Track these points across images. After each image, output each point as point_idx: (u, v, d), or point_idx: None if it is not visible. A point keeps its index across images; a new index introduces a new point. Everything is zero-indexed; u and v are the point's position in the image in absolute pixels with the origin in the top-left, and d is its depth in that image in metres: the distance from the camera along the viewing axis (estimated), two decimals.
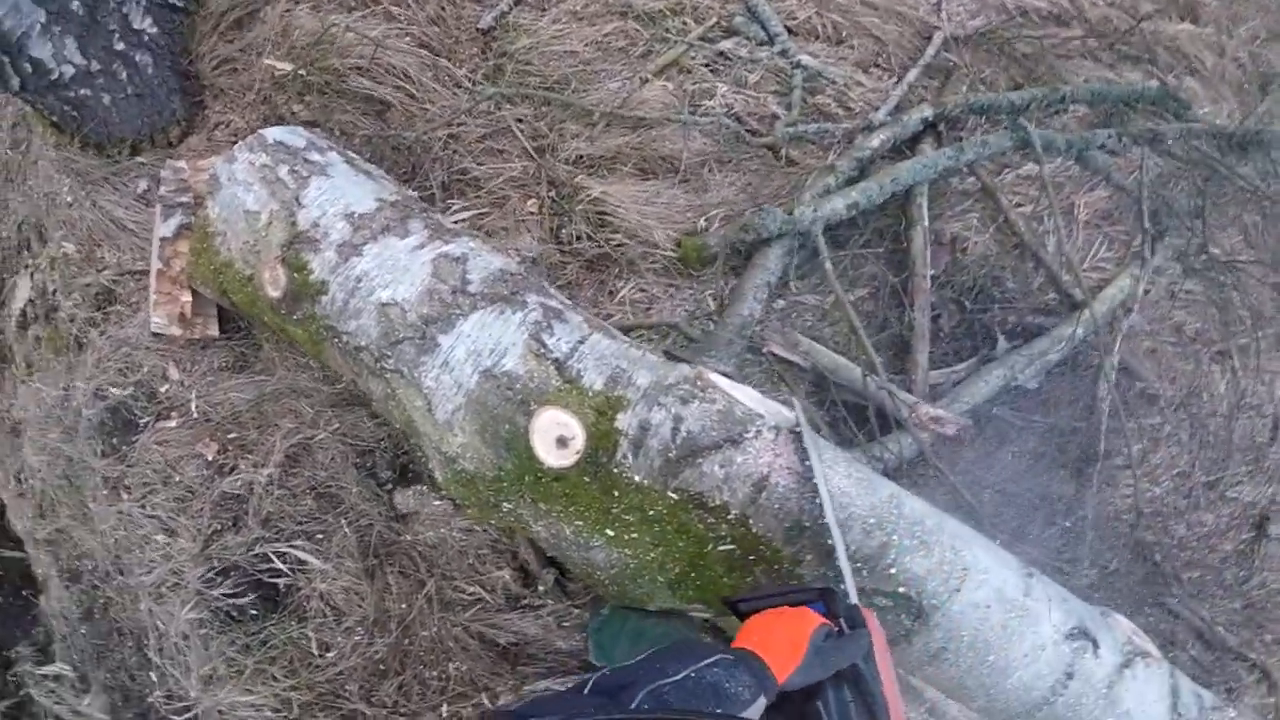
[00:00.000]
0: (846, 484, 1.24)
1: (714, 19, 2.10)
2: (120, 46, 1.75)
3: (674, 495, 1.23)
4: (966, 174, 1.99)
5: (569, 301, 1.45)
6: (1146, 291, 2.01)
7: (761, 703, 0.76)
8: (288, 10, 1.95)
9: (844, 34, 2.12)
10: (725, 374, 1.39)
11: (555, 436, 1.25)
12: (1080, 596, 1.43)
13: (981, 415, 1.84)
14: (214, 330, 1.69)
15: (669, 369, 1.31)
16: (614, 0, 2.08)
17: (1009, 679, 1.30)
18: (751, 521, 1.22)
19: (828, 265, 1.70)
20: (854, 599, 1.04)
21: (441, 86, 1.96)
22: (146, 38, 1.82)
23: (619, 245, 1.78)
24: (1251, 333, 2.11)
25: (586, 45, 2.03)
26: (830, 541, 1.14)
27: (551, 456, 1.25)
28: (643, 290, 1.79)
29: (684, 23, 2.11)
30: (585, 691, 0.71)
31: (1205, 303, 2.12)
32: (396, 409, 1.39)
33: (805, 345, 1.71)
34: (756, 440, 1.25)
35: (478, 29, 2.04)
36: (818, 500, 1.18)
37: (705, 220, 1.85)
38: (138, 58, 1.79)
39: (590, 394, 1.27)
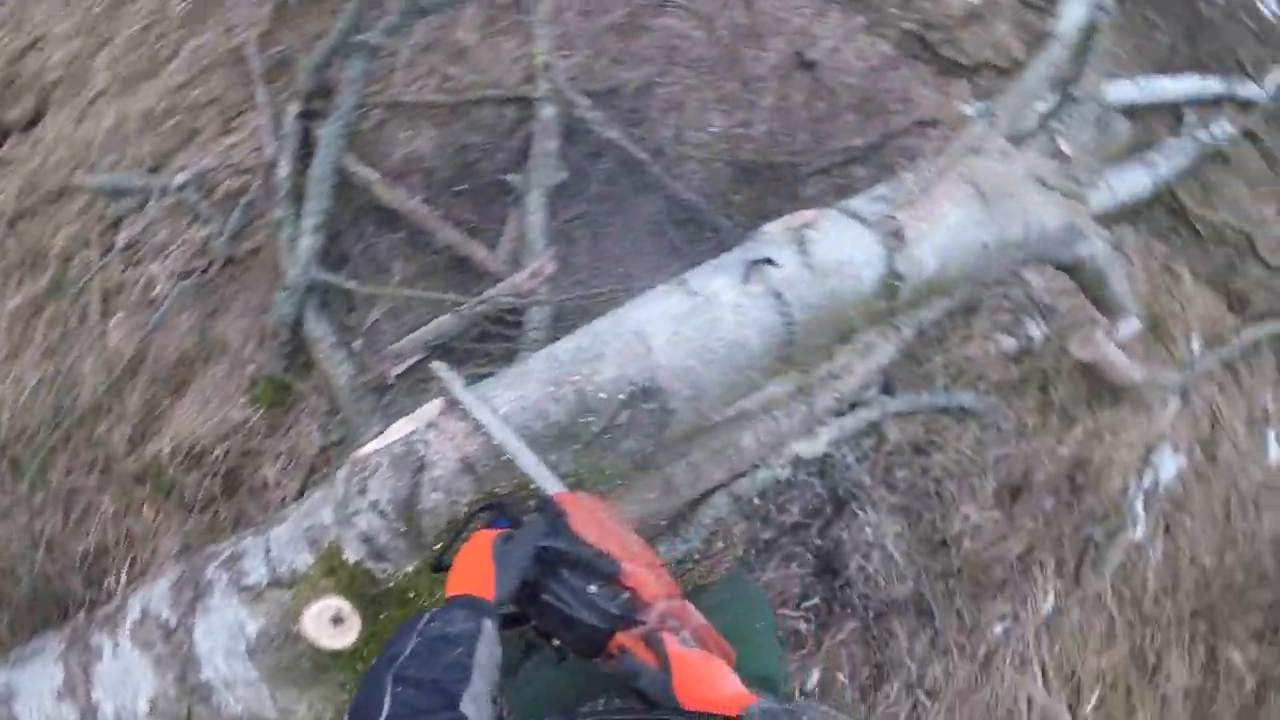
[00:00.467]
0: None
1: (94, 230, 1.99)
2: None
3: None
4: None
5: (230, 540, 1.47)
6: None
7: (489, 625, 0.78)
8: None
9: None
10: (377, 435, 1.49)
11: (329, 619, 1.31)
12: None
13: (555, 231, 2.01)
14: None
15: (331, 489, 1.39)
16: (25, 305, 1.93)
17: (749, 346, 1.45)
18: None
19: (347, 284, 1.78)
20: (551, 490, 1.08)
21: None
22: None
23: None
24: None
25: (43, 362, 1.88)
26: (514, 460, 1.20)
27: (329, 639, 1.30)
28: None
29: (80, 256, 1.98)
30: None
31: None
32: None
33: (403, 344, 1.81)
34: (434, 444, 1.37)
35: None
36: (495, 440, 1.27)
37: (252, 363, 1.86)
38: None
39: (312, 572, 1.33)
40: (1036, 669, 2.13)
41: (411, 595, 1.34)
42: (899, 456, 2.12)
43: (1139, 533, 2.53)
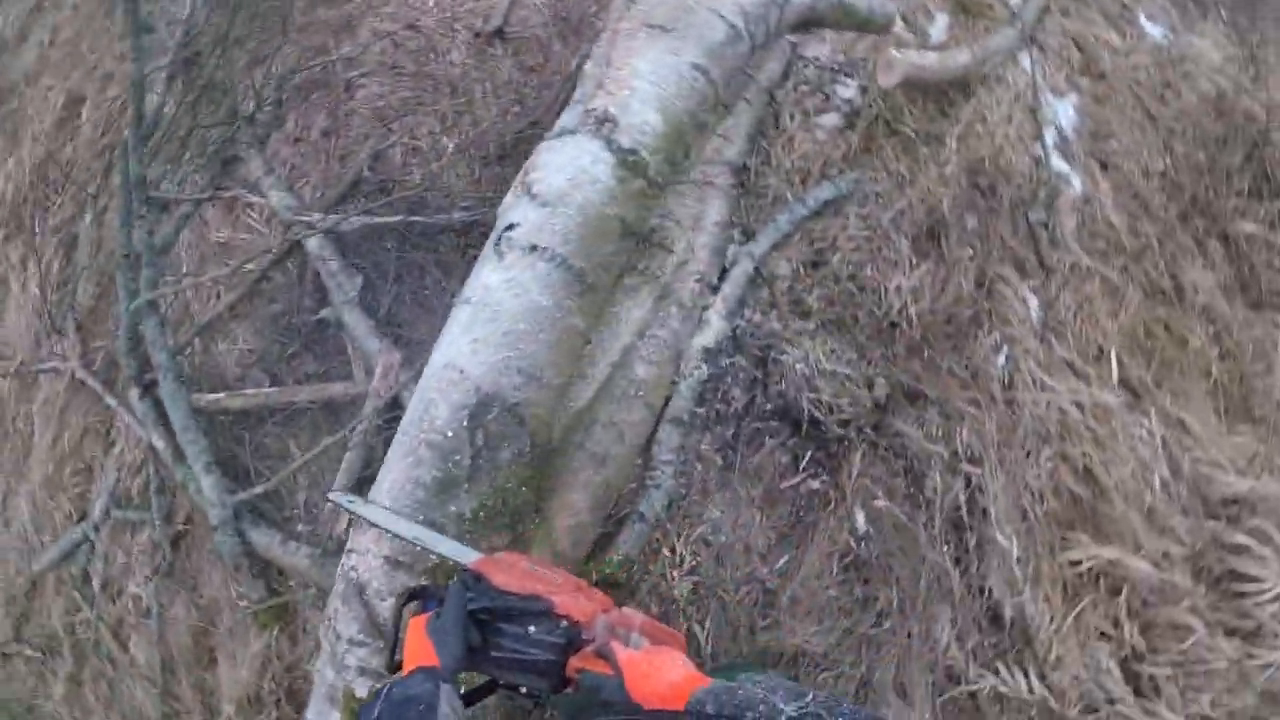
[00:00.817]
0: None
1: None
2: None
3: None
4: None
5: None
6: None
7: (446, 687, 0.83)
8: None
9: None
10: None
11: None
12: None
13: (385, 325, 2.08)
14: None
15: (321, 653, 1.48)
16: None
17: (542, 306, 1.47)
18: None
19: (259, 489, 1.90)
20: (466, 561, 1.11)
21: None
22: None
23: None
24: None
25: None
26: (424, 546, 1.25)
27: None
28: None
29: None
30: None
31: None
32: None
33: (332, 502, 1.90)
34: (360, 564, 1.45)
35: None
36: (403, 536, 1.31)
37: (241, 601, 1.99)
38: None
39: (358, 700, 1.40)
40: (1061, 370, 2.03)
41: None
42: (802, 283, 2.07)
43: (1077, 185, 2.41)
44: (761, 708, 0.73)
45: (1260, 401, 2.22)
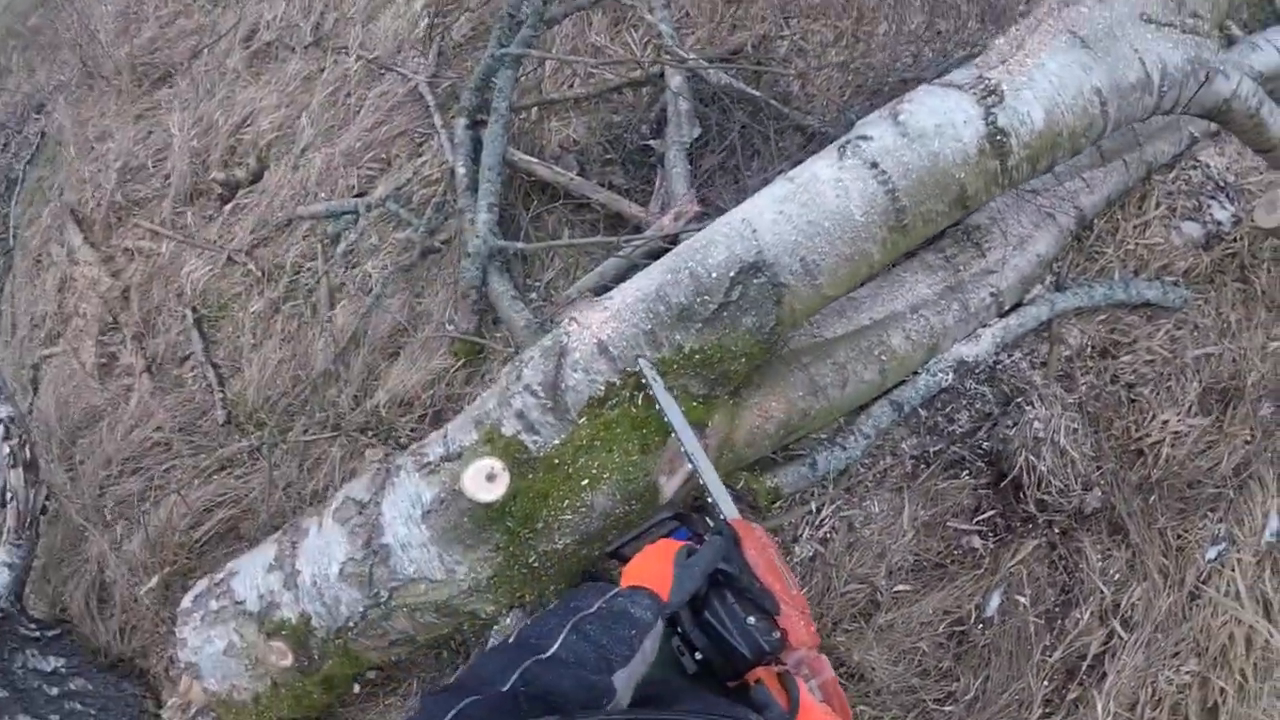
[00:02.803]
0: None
1: (318, 246, 2.56)
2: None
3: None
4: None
5: (421, 443, 1.75)
6: None
7: (660, 624, 0.85)
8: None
9: None
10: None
11: (484, 476, 1.54)
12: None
13: (698, 182, 2.20)
14: None
15: (496, 385, 1.66)
16: (266, 308, 2.51)
17: (853, 217, 1.50)
18: None
19: (519, 246, 2.12)
20: (728, 513, 1.13)
21: (239, 479, 2.30)
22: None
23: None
24: None
25: (282, 348, 2.43)
26: (700, 476, 1.26)
27: (484, 492, 1.53)
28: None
29: (307, 267, 2.55)
30: (511, 642, 0.75)
31: None
32: (415, 605, 1.65)
33: (572, 290, 2.09)
34: (574, 333, 1.58)
35: (220, 425, 2.41)
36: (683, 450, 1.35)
37: (450, 325, 2.25)
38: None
39: (476, 445, 1.58)
40: (1256, 603, 1.80)
41: (556, 463, 1.56)
42: (1081, 361, 1.99)
43: None
44: None
45: None
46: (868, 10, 2.33)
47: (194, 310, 2.62)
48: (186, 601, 1.81)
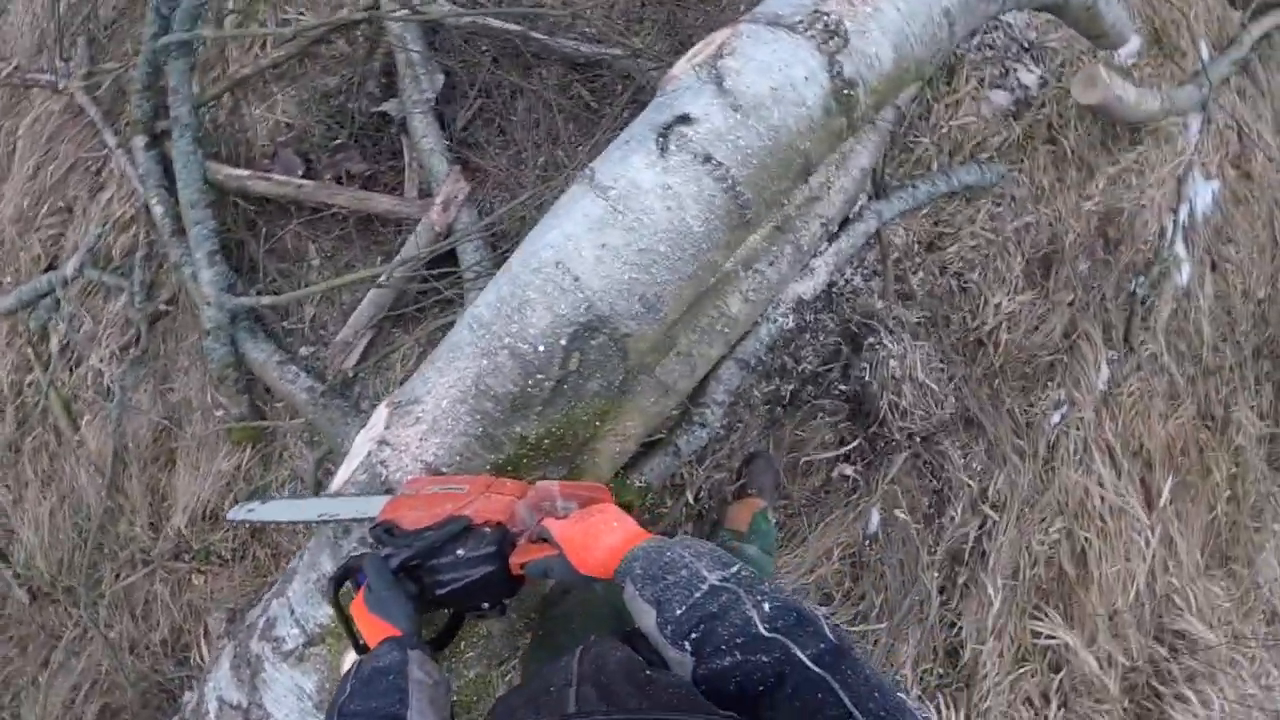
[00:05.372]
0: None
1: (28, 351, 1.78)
2: None
3: None
4: None
5: (262, 603, 1.33)
6: None
7: (414, 653, 0.78)
8: None
9: None
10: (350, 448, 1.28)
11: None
12: None
13: (457, 144, 1.66)
14: None
15: (320, 534, 1.20)
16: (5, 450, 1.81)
17: (692, 230, 1.12)
18: None
19: (263, 301, 1.53)
20: (374, 513, 0.99)
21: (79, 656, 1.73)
22: None
23: None
24: None
25: (45, 494, 1.76)
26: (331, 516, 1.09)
27: None
28: None
29: (28, 382, 1.80)
30: None
31: None
32: None
33: (345, 333, 1.57)
34: (393, 463, 1.15)
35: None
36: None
37: (219, 410, 1.65)
38: None
39: (334, 624, 1.19)
40: (1102, 452, 1.86)
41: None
42: (910, 260, 1.78)
43: (1185, 275, 2.14)
44: (684, 572, 0.68)
45: (1240, 555, 2.18)
46: None
47: None
48: None
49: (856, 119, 1.25)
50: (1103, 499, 1.85)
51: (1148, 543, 1.96)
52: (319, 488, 1.60)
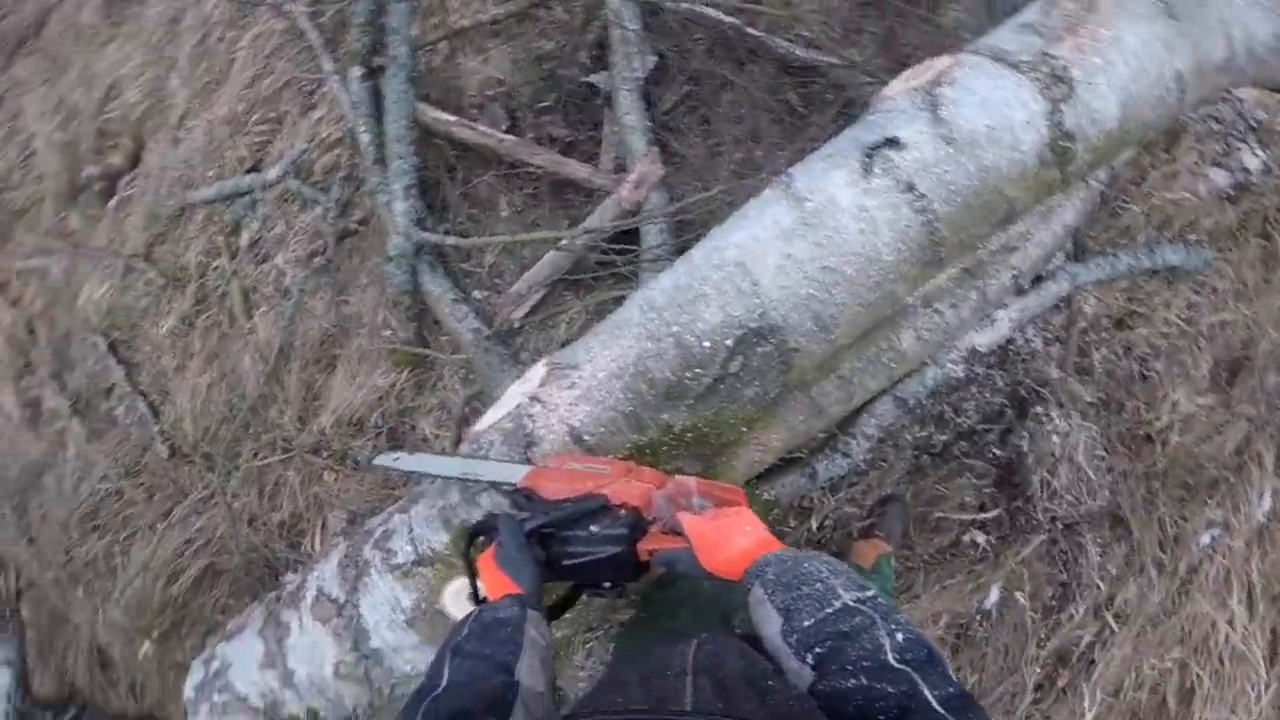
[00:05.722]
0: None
1: (220, 240, 1.99)
2: None
3: None
4: None
5: (383, 514, 1.44)
6: None
7: (533, 613, 0.79)
8: None
9: None
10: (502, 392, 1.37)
11: (465, 597, 1.25)
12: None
13: (658, 125, 1.69)
14: None
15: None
16: (180, 324, 2.00)
17: (881, 259, 1.10)
18: None
19: (448, 241, 1.62)
20: (514, 479, 1.02)
21: (200, 516, 1.95)
22: None
23: None
24: None
25: (207, 369, 1.97)
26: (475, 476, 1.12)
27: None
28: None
29: (214, 267, 2.01)
30: (410, 699, 0.70)
31: None
32: None
33: (520, 285, 1.64)
34: (540, 418, 1.20)
35: (165, 459, 2.01)
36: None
37: (386, 330, 1.79)
38: None
39: (447, 552, 1.26)
40: (1242, 587, 1.68)
41: None
42: (1096, 334, 1.69)
43: None
44: (819, 585, 0.67)
45: None
46: None
47: (104, 335, 2.09)
48: (189, 691, 1.56)
49: (1070, 174, 1.18)
50: (1227, 639, 1.68)
51: (1259, 697, 1.76)
52: (463, 424, 1.71)
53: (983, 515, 1.62)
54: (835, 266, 1.11)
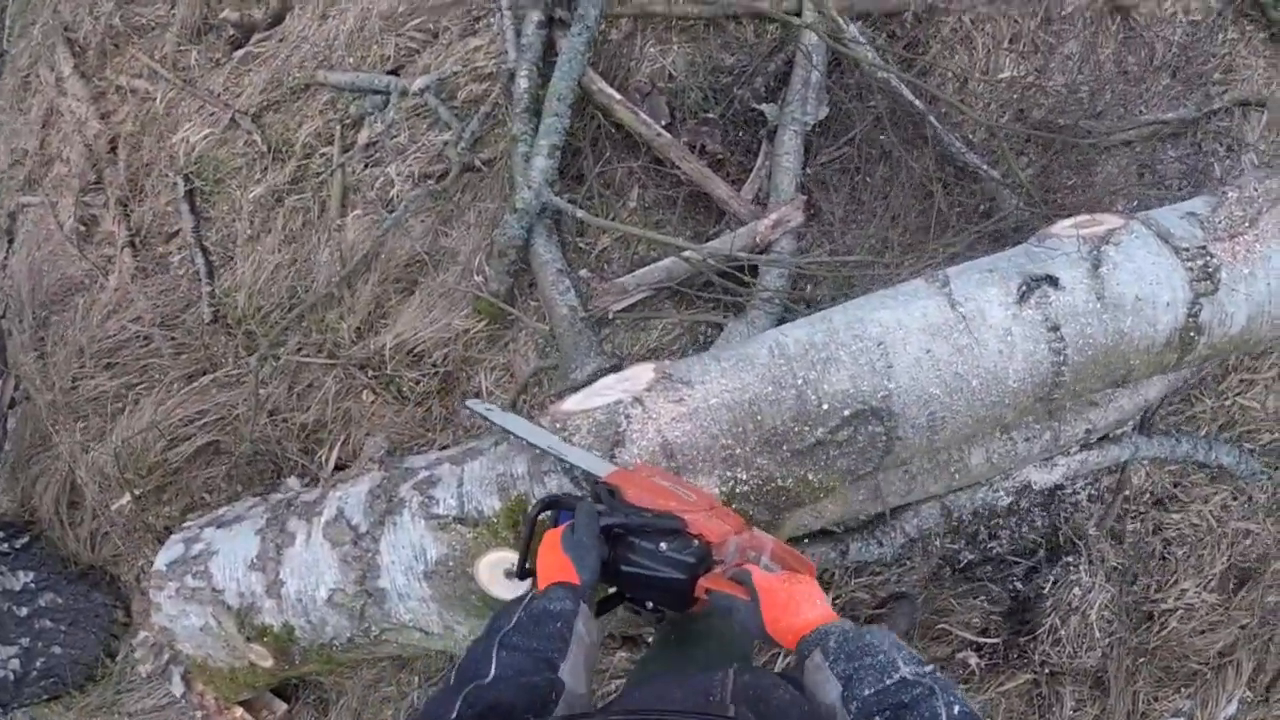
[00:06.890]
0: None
1: (336, 128, 2.00)
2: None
3: None
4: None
5: (430, 458, 1.46)
6: None
7: (584, 607, 0.81)
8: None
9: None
10: (588, 380, 1.41)
11: (502, 571, 1.28)
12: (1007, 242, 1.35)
13: (808, 176, 1.74)
14: (280, 708, 1.77)
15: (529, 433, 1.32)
16: (268, 195, 2.01)
17: (1006, 382, 1.18)
18: None
19: (578, 213, 1.65)
20: (601, 472, 1.06)
21: (223, 390, 1.95)
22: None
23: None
24: None
25: (282, 249, 1.98)
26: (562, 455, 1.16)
27: (499, 589, 1.28)
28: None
29: (321, 152, 2.02)
30: (451, 682, 0.71)
31: None
32: (406, 643, 1.47)
33: (628, 280, 1.67)
34: (636, 421, 1.24)
35: (206, 323, 2.01)
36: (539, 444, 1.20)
37: (479, 275, 1.82)
38: None
39: (496, 519, 1.28)
40: None
41: None
42: (1135, 505, 1.78)
43: None
44: (881, 657, 0.71)
45: None
46: (1057, 19, 1.77)
47: (186, 179, 2.06)
48: (160, 564, 1.53)
49: (1185, 361, 1.28)
50: None
51: None
52: (522, 391, 1.72)
53: (984, 639, 1.69)
54: (965, 375, 1.18)
